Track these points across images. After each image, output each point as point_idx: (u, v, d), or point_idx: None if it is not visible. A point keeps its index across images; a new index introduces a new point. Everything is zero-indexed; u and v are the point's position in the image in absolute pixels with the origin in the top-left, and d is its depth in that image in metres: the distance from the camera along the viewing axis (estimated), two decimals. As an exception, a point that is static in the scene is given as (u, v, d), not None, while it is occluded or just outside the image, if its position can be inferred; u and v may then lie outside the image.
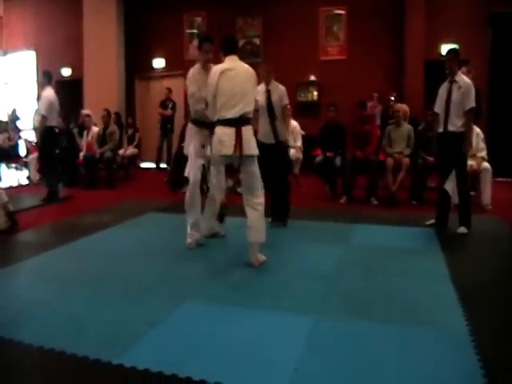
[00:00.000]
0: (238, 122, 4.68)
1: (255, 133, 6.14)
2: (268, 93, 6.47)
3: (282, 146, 6.55)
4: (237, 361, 2.96)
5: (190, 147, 5.80)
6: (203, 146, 5.63)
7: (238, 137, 4.65)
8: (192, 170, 5.77)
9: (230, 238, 5.88)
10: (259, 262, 4.80)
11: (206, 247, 5.50)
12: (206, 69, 5.43)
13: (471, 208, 6.17)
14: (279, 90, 6.52)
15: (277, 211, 6.54)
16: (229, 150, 4.65)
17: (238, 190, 9.31)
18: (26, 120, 13.36)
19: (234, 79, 4.77)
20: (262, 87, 6.49)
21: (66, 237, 5.98)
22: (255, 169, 4.87)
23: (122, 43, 14.15)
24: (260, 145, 6.15)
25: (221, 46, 4.98)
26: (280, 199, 6.55)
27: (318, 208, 7.74)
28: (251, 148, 4.77)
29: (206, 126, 5.45)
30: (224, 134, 4.69)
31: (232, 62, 4.89)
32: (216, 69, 4.88)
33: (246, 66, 4.98)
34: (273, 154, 6.32)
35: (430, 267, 4.77)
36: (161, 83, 14.33)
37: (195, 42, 13.96)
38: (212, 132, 5.15)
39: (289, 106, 6.77)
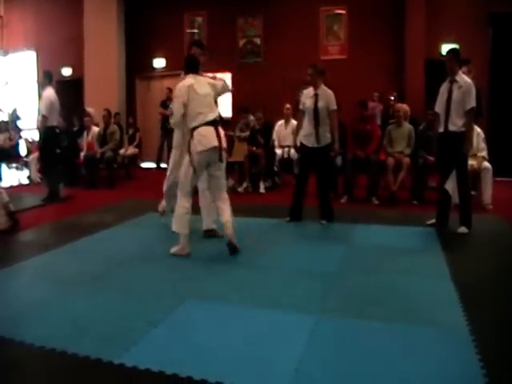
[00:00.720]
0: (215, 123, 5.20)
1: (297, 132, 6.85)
2: (316, 97, 6.57)
3: (324, 151, 6.60)
4: (237, 360, 2.96)
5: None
6: None
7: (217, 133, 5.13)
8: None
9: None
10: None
11: (206, 247, 5.50)
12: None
13: (472, 208, 6.16)
14: (327, 94, 6.59)
15: (322, 211, 6.68)
16: (213, 143, 5.06)
17: (239, 189, 9.35)
18: (26, 120, 13.36)
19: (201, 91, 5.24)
20: (309, 91, 6.69)
21: (67, 237, 5.98)
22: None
23: (122, 43, 14.16)
24: (301, 146, 6.62)
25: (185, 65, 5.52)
26: (323, 201, 6.69)
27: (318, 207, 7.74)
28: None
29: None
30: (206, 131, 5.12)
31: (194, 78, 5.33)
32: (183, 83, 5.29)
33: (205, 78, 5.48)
34: (314, 158, 6.59)
35: (431, 266, 4.77)
36: (161, 83, 14.33)
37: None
38: None
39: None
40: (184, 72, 5.48)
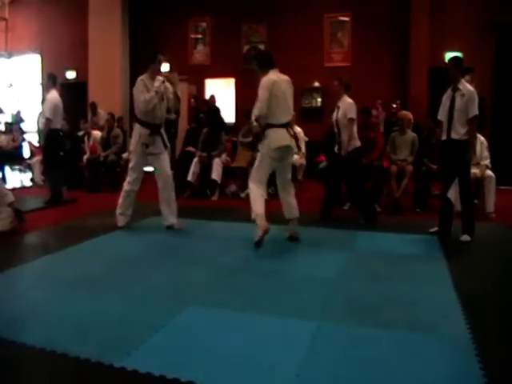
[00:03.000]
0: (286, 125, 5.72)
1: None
2: (337, 109, 7.13)
3: (345, 158, 7.05)
4: (238, 366, 2.96)
5: (133, 146, 6.53)
6: (147, 146, 6.39)
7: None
8: (134, 169, 6.52)
9: (233, 243, 5.89)
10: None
11: (208, 252, 5.50)
12: (152, 78, 6.43)
13: (474, 216, 6.15)
14: (345, 104, 7.03)
15: (363, 214, 7.15)
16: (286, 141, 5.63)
17: (242, 195, 9.35)
18: (30, 122, 13.39)
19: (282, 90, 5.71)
20: (337, 103, 7.26)
21: (69, 239, 5.99)
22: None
23: (126, 47, 14.18)
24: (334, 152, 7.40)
25: (261, 62, 5.91)
26: (360, 205, 7.24)
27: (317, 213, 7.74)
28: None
29: (151, 126, 6.40)
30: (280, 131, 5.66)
31: (276, 75, 5.76)
32: (268, 79, 5.64)
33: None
34: (339, 163, 7.23)
35: (433, 274, 4.77)
36: (165, 87, 14.34)
37: (200, 47, 14.06)
38: (154, 132, 6.40)
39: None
40: (261, 69, 5.83)
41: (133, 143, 6.51)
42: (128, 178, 6.53)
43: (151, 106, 6.26)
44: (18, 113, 13.59)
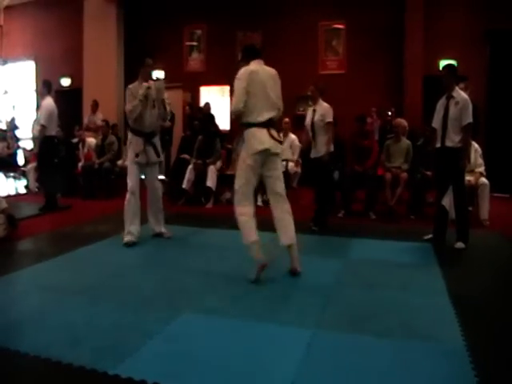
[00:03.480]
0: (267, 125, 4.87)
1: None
2: (313, 112, 7.04)
3: (319, 161, 6.97)
4: (234, 373, 2.96)
5: (129, 155, 6.35)
6: (137, 155, 6.17)
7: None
8: (129, 177, 6.29)
9: (228, 250, 5.88)
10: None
11: (203, 260, 5.49)
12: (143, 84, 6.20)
13: (469, 223, 6.17)
14: (322, 108, 6.98)
15: (315, 218, 7.12)
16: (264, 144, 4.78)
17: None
18: (24, 129, 13.37)
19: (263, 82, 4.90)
20: (312, 107, 7.17)
21: (64, 246, 5.98)
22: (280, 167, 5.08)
23: (121, 54, 14.18)
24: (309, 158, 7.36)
25: (244, 53, 5.17)
26: (317, 208, 7.18)
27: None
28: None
29: (143, 135, 6.21)
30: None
31: (258, 65, 4.98)
32: (244, 69, 4.92)
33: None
34: (313, 168, 7.18)
35: (428, 282, 4.77)
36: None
37: (195, 55, 14.07)
38: (148, 141, 6.20)
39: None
40: (242, 61, 5.09)
41: (127, 151, 6.41)
42: (129, 188, 6.24)
43: (135, 114, 6.08)
44: (13, 120, 13.57)
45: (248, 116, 4.81)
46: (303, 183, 9.59)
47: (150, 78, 6.40)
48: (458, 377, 2.94)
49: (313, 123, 6.99)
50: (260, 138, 4.77)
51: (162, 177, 12.80)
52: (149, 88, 6.18)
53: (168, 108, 6.47)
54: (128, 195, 6.22)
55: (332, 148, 7.00)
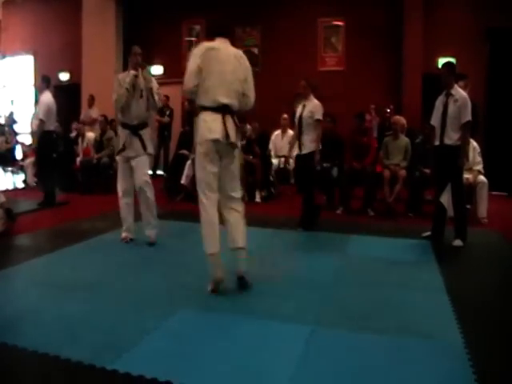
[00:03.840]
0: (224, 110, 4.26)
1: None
2: (303, 108, 6.85)
3: (306, 158, 6.79)
4: (231, 370, 2.96)
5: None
6: (124, 148, 5.87)
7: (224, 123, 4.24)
8: (118, 178, 6.08)
9: (225, 246, 5.86)
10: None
11: (201, 256, 5.46)
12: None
13: (467, 221, 6.18)
14: (312, 105, 6.78)
15: (301, 218, 6.90)
16: (214, 134, 4.19)
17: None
18: (23, 124, 13.35)
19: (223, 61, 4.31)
20: (302, 102, 6.96)
21: (62, 242, 5.97)
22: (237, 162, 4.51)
23: (120, 49, 14.16)
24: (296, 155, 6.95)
25: (209, 28, 4.62)
26: (303, 208, 6.92)
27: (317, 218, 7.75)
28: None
29: (129, 127, 5.87)
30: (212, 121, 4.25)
31: (221, 43, 4.42)
32: (202, 45, 4.39)
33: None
34: (299, 164, 7.00)
35: (426, 279, 4.77)
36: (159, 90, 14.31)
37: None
38: (134, 133, 5.83)
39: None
40: (208, 36, 4.59)
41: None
42: (118, 191, 6.04)
43: (120, 104, 5.74)
44: (11, 114, 13.54)
45: (202, 98, 4.26)
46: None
47: (139, 66, 5.89)
48: (456, 374, 2.95)
49: (301, 118, 6.83)
50: (210, 126, 4.20)
51: (160, 172, 12.87)
52: (136, 76, 5.80)
53: (157, 97, 5.96)
54: (119, 199, 6.03)
55: (320, 146, 6.90)
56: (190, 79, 4.25)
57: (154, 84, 5.96)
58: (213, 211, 4.27)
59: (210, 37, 4.47)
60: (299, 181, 7.26)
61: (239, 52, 4.49)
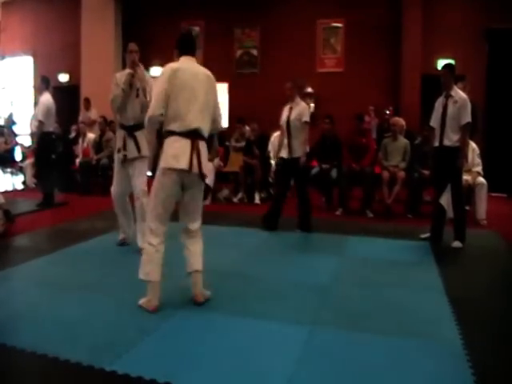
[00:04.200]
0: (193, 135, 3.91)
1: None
2: (290, 110, 6.74)
3: (295, 163, 6.67)
4: (230, 371, 2.96)
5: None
6: (119, 150, 5.66)
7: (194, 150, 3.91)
8: (114, 180, 5.86)
9: (226, 247, 5.87)
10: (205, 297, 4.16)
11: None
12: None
13: (466, 222, 6.18)
14: (300, 107, 6.70)
15: (300, 221, 6.85)
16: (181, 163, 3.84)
17: (234, 200, 9.35)
18: (22, 125, 13.34)
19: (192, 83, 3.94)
20: (288, 105, 6.83)
21: (61, 242, 5.98)
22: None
23: (119, 50, 14.15)
24: (280, 159, 6.77)
25: (176, 44, 4.15)
26: (301, 211, 6.85)
27: (313, 219, 7.74)
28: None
29: (125, 128, 5.64)
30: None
31: (188, 63, 4.04)
32: (169, 66, 3.97)
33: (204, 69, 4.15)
34: (289, 169, 6.77)
35: (425, 280, 4.78)
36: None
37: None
38: (129, 134, 5.57)
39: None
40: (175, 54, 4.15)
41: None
42: (112, 192, 5.83)
43: (117, 104, 5.49)
44: (11, 115, 13.54)
45: (169, 123, 3.89)
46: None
47: (135, 64, 5.64)
48: (454, 375, 2.95)
49: (289, 122, 6.71)
50: (177, 153, 3.83)
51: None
52: (132, 75, 5.53)
53: (148, 97, 5.44)
54: (114, 202, 5.83)
55: (307, 149, 6.88)
56: (156, 106, 3.85)
57: (149, 84, 5.63)
58: (160, 242, 3.98)
59: (177, 54, 4.09)
60: (283, 184, 7.01)
61: (207, 72, 4.11)
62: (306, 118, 6.65)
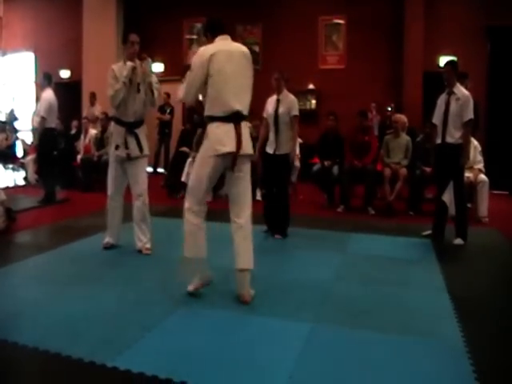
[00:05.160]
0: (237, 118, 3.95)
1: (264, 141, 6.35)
2: (277, 103, 6.29)
3: (283, 159, 6.24)
4: (231, 367, 2.96)
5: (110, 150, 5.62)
6: (117, 147, 5.40)
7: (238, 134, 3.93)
8: (109, 180, 5.62)
9: (226, 244, 5.85)
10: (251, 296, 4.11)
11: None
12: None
13: (468, 220, 6.18)
14: (288, 100, 6.29)
15: (275, 223, 6.38)
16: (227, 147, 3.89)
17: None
18: (23, 121, 13.35)
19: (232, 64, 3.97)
20: (273, 97, 6.41)
21: (62, 239, 5.99)
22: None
23: (120, 46, 14.13)
24: (263, 153, 6.26)
25: (206, 28, 4.30)
26: (279, 211, 6.36)
27: (315, 216, 7.75)
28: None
29: (125, 124, 5.38)
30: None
31: (224, 43, 4.11)
32: (204, 50, 4.00)
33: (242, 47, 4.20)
34: (274, 165, 6.27)
35: (426, 278, 4.78)
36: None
37: (195, 48, 14.01)
38: (130, 131, 5.33)
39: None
40: (207, 36, 4.21)
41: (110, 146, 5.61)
42: (108, 192, 5.65)
43: (118, 100, 5.21)
44: (12, 111, 13.54)
45: (210, 108, 3.94)
46: (303, 179, 9.61)
47: (138, 57, 5.40)
48: (456, 372, 2.94)
49: (277, 116, 6.22)
50: (221, 137, 3.89)
51: (160, 170, 12.88)
52: (134, 68, 5.28)
53: (156, 93, 5.44)
54: (108, 201, 5.65)
55: (297, 146, 6.37)
56: (189, 92, 3.98)
57: (154, 78, 5.48)
58: (201, 221, 4.16)
59: (209, 37, 4.16)
60: (269, 182, 6.55)
61: (244, 48, 4.16)
62: (296, 112, 6.23)
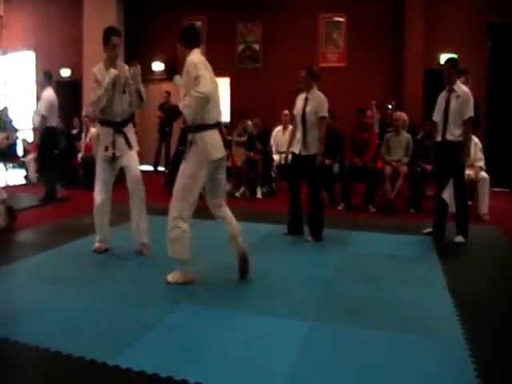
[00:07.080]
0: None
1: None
2: (305, 101, 6.12)
3: (310, 160, 6.02)
4: (232, 365, 2.96)
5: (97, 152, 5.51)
6: (106, 149, 5.34)
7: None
8: (96, 183, 5.53)
9: (226, 242, 5.85)
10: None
11: (202, 251, 5.47)
12: (112, 66, 5.33)
13: (468, 217, 6.17)
14: (318, 100, 6.07)
15: (311, 228, 6.18)
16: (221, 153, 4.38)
17: (236, 194, 9.35)
18: (24, 119, 13.33)
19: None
20: (302, 95, 6.26)
21: (63, 237, 5.99)
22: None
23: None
24: (292, 154, 6.18)
25: (184, 37, 4.44)
26: (312, 214, 6.16)
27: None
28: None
29: (112, 124, 5.33)
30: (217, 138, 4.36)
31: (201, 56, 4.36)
32: (199, 57, 4.30)
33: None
34: (302, 166, 6.11)
35: (427, 275, 4.77)
36: (160, 86, 14.29)
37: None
38: (118, 131, 5.29)
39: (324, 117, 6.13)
40: (184, 46, 4.41)
41: (95, 147, 5.56)
42: (95, 193, 5.53)
43: (100, 106, 5.19)
44: (5, 109, 13.46)
45: (204, 115, 4.23)
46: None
47: (130, 65, 5.49)
48: (457, 370, 2.95)
49: (304, 114, 6.05)
50: (217, 145, 4.31)
51: (161, 168, 12.87)
52: (118, 77, 5.28)
53: (144, 98, 5.45)
54: (96, 204, 5.52)
55: (323, 147, 6.08)
56: (210, 85, 4.13)
57: (142, 88, 5.45)
58: (187, 226, 4.40)
59: (185, 47, 4.38)
60: (294, 184, 6.36)
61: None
62: (324, 113, 6.00)
